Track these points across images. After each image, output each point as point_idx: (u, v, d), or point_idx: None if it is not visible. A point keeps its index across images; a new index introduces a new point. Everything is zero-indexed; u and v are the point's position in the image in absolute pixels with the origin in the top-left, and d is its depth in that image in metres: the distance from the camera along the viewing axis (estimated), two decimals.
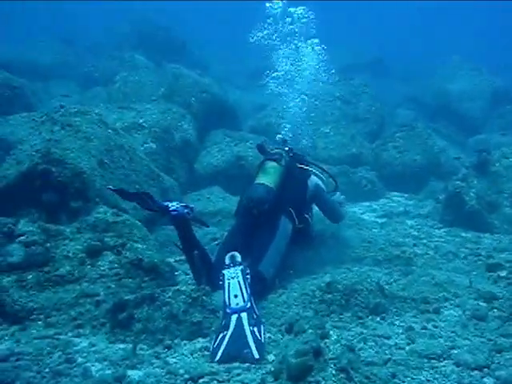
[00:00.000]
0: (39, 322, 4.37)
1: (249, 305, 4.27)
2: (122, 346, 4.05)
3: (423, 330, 4.34)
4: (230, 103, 11.92)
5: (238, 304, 4.26)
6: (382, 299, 4.78)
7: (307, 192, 6.07)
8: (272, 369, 3.61)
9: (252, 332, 4.04)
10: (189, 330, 4.19)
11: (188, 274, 5.52)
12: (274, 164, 5.84)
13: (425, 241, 6.94)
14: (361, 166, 10.47)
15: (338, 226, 6.87)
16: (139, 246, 5.03)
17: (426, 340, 4.17)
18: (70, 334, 4.26)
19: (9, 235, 4.74)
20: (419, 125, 11.05)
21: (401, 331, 4.37)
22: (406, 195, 9.79)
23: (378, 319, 4.60)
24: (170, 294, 4.28)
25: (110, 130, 7.14)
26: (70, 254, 4.82)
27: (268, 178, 5.68)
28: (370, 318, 4.61)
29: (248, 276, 4.53)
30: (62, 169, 6.01)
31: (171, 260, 6.05)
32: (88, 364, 3.76)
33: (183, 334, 4.17)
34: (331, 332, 3.70)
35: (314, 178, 6.29)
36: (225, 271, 4.52)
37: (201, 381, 3.48)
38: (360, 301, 4.73)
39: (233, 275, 4.47)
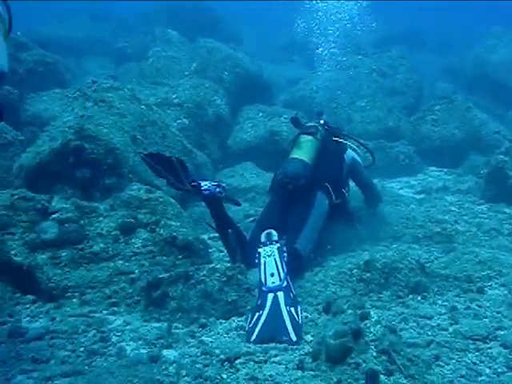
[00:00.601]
0: (74, 300, 4.34)
1: (285, 283, 4.13)
2: (156, 324, 3.98)
3: (467, 310, 4.18)
4: (263, 78, 11.74)
5: (274, 283, 4.12)
6: (422, 278, 4.62)
7: (344, 166, 5.90)
8: (310, 350, 3.50)
9: (289, 312, 3.92)
10: (224, 308, 4.10)
11: (222, 252, 5.44)
12: (309, 138, 5.67)
13: (466, 217, 6.71)
14: (398, 140, 10.20)
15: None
16: (173, 223, 4.94)
17: (471, 320, 4.01)
18: (104, 312, 4.22)
19: (43, 212, 4.70)
20: (458, 97, 10.69)
21: (443, 311, 4.22)
22: (444, 170, 9.50)
23: (419, 298, 4.45)
24: (205, 272, 4.18)
25: (142, 106, 7.05)
26: (104, 232, 4.76)
27: (303, 153, 5.51)
28: (410, 297, 4.46)
29: (285, 254, 4.38)
30: (95, 145, 5.97)
31: (205, 237, 5.97)
32: (123, 343, 3.71)
33: (218, 312, 4.09)
34: (372, 312, 3.56)
35: (350, 152, 6.11)
36: (260, 249, 4.38)
37: (237, 361, 3.38)
38: (400, 279, 4.58)
39: (269, 253, 4.33)
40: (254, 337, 3.74)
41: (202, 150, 8.56)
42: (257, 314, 3.94)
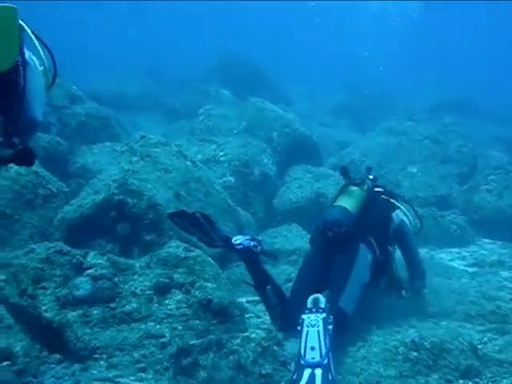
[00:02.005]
0: (101, 362, 4.14)
1: (326, 361, 3.76)
2: None
3: None
4: (312, 139, 11.57)
5: (314, 358, 3.76)
6: (474, 361, 4.27)
7: (390, 225, 5.56)
8: None
9: None
10: (257, 382, 3.83)
11: (260, 317, 5.18)
12: (355, 188, 5.39)
13: None
14: (449, 208, 9.82)
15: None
16: (209, 285, 4.72)
17: None
18: (131, 378, 4.00)
19: (77, 267, 4.58)
20: None
21: None
22: (499, 243, 9.04)
23: None
24: (239, 341, 3.95)
25: (188, 162, 7.00)
26: (138, 291, 4.59)
27: (347, 202, 5.22)
28: (461, 382, 4.11)
29: (330, 327, 4.04)
30: (138, 200, 5.89)
31: (243, 300, 5.73)
32: None
33: None
34: None
35: (399, 213, 5.74)
36: (305, 316, 4.04)
37: None
38: (450, 361, 4.24)
39: (313, 323, 3.98)
40: None
41: (246, 208, 8.40)
42: None
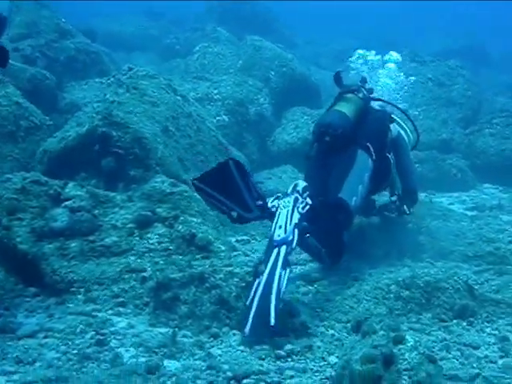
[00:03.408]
0: (79, 296, 3.95)
1: (290, 237, 3.79)
2: (162, 330, 3.55)
3: None
4: (311, 81, 11.20)
5: (279, 235, 3.80)
6: (470, 301, 4.08)
7: (389, 134, 5.27)
8: (333, 373, 3.01)
9: (277, 290, 3.48)
10: (240, 318, 3.64)
11: (248, 256, 4.96)
12: (350, 95, 5.12)
13: None
14: (451, 153, 9.53)
15: (419, 215, 6.07)
16: (194, 219, 4.50)
17: None
18: (109, 312, 3.82)
19: (55, 198, 4.34)
20: None
21: (492, 341, 3.68)
22: (500, 188, 8.79)
23: (465, 324, 3.93)
24: (222, 275, 3.74)
25: (178, 97, 6.67)
26: (119, 224, 4.37)
27: (343, 107, 4.96)
28: (454, 322, 3.94)
29: (301, 205, 4.02)
30: (123, 133, 5.60)
31: (232, 239, 5.54)
32: (121, 349, 3.28)
33: (233, 322, 3.64)
34: (408, 336, 3.03)
35: (397, 127, 5.49)
36: (281, 200, 4.07)
37: (245, 381, 2.91)
38: (444, 301, 4.05)
39: (286, 204, 4.01)
40: (246, 331, 3.41)
41: (240, 149, 8.13)
42: (255, 284, 3.58)
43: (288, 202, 4.03)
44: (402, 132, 5.58)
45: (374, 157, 4.85)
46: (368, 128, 5.01)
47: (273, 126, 9.22)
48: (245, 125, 8.68)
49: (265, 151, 8.83)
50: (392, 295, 4.08)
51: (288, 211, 3.94)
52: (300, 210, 4.02)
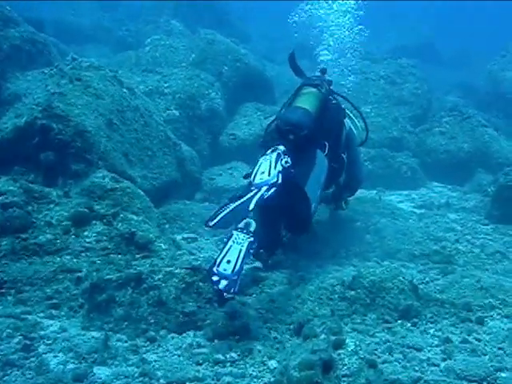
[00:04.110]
0: (9, 297, 3.74)
1: (235, 277, 3.60)
2: (96, 334, 3.38)
3: (463, 344, 3.59)
4: (265, 76, 11.09)
5: (225, 270, 3.60)
6: (414, 301, 4.06)
7: (344, 132, 5.26)
8: (272, 379, 2.89)
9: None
10: (179, 320, 3.52)
11: (193, 255, 4.81)
12: (313, 89, 5.01)
13: (469, 237, 6.08)
14: (401, 151, 9.56)
15: (368, 213, 6.06)
16: (134, 217, 4.33)
17: (467, 357, 3.43)
18: (41, 315, 3.61)
19: None
20: (469, 110, 10.04)
21: (436, 342, 3.64)
22: (449, 186, 8.85)
23: (409, 325, 3.88)
24: (160, 276, 3.59)
25: (124, 90, 6.45)
26: (54, 221, 4.16)
27: (307, 103, 4.84)
28: (398, 322, 3.90)
29: (251, 252, 3.95)
30: (64, 126, 5.35)
31: (179, 237, 5.38)
32: (49, 354, 3.10)
33: (172, 325, 3.50)
34: (348, 340, 2.95)
35: (348, 121, 5.48)
36: (235, 232, 3.93)
37: None
38: (388, 301, 4.01)
39: (239, 241, 3.88)
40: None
41: (191, 144, 7.95)
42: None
43: (243, 240, 3.91)
44: (353, 127, 5.55)
45: (326, 154, 4.78)
46: (326, 125, 4.94)
47: (225, 121, 9.07)
48: (196, 120, 8.50)
49: (216, 147, 8.67)
50: (337, 295, 4.01)
51: (241, 251, 3.82)
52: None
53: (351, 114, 5.58)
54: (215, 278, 3.56)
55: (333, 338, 2.97)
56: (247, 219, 4.10)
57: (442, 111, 10.44)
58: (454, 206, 7.69)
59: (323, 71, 5.52)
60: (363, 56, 12.00)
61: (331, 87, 5.39)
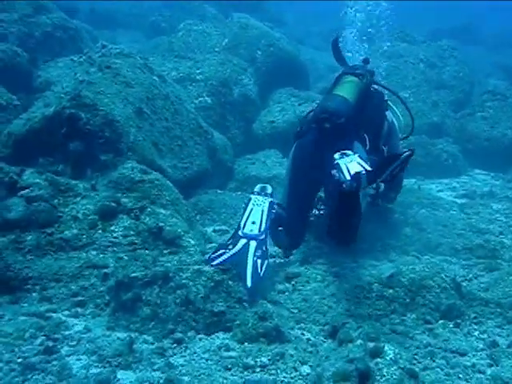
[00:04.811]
0: (34, 294, 3.64)
1: (263, 236, 3.89)
2: (122, 335, 3.24)
3: (511, 349, 3.33)
4: (300, 61, 10.81)
5: (252, 231, 3.88)
6: (457, 300, 3.80)
7: (385, 124, 5.04)
8: None
9: (254, 262, 3.71)
10: (207, 321, 3.36)
11: None
12: (354, 78, 4.77)
13: None
14: (441, 137, 9.21)
15: (407, 204, 5.80)
16: (162, 211, 4.18)
17: None
18: (65, 313, 3.50)
19: (11, 187, 3.99)
20: None
21: (481, 346, 3.42)
22: (492, 174, 8.48)
23: (451, 326, 3.66)
24: (188, 274, 3.43)
25: (155, 77, 6.30)
26: (80, 215, 4.04)
27: (346, 92, 4.61)
28: (440, 323, 3.68)
29: (274, 211, 4.16)
30: (92, 115, 5.23)
31: (209, 229, 5.22)
32: (72, 357, 2.97)
33: (200, 325, 3.35)
34: (387, 347, 2.74)
35: (391, 114, 5.24)
36: (253, 196, 4.19)
37: None
38: (429, 300, 3.80)
39: (259, 203, 4.11)
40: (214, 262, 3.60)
41: (223, 132, 7.78)
42: (221, 251, 3.73)
43: (262, 201, 4.10)
44: (395, 121, 5.31)
45: (367, 147, 4.54)
46: (366, 117, 4.71)
47: (258, 107, 8.85)
48: (228, 106, 8.30)
49: (249, 134, 8.47)
50: (374, 294, 3.81)
51: (263, 211, 3.99)
52: (271, 215, 4.14)
53: (394, 107, 5.32)
54: (243, 241, 3.76)
55: (370, 344, 2.77)
56: (261, 184, 4.42)
57: (485, 95, 10.02)
58: (497, 196, 7.34)
59: (366, 61, 5.27)
60: (402, 38, 11.69)
61: (373, 77, 5.14)
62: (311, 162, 4.46)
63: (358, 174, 3.61)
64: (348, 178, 3.61)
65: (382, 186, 5.13)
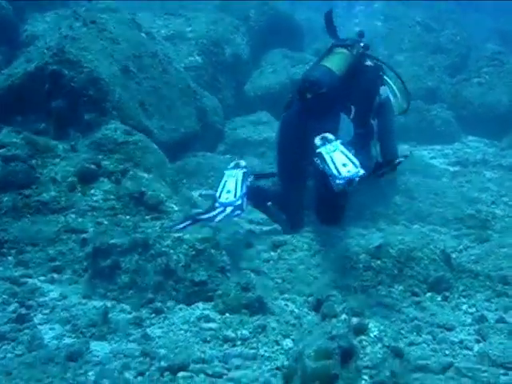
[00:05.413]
0: (9, 258, 3.51)
1: (239, 202, 3.83)
2: (98, 303, 3.14)
3: (499, 324, 3.26)
4: (295, 21, 10.50)
5: (227, 199, 3.82)
6: (446, 272, 3.72)
7: (376, 98, 4.91)
8: (284, 364, 2.62)
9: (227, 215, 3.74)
10: (188, 290, 3.26)
11: None
12: (343, 50, 4.69)
13: (506, 198, 5.64)
14: (436, 103, 9.03)
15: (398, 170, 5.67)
16: (145, 175, 4.03)
17: (503, 339, 3.09)
18: (41, 279, 3.38)
19: None
20: (511, 60, 9.38)
21: (469, 321, 3.32)
22: (486, 141, 8.33)
23: (439, 299, 3.59)
24: (169, 241, 3.31)
25: (143, 34, 6.07)
26: (59, 177, 3.88)
27: (332, 63, 4.51)
28: (428, 295, 3.61)
29: (249, 180, 4.19)
30: (76, 72, 5.03)
31: (196, 194, 5.09)
32: (45, 326, 2.86)
33: (180, 295, 3.24)
34: (371, 324, 2.64)
35: (386, 90, 5.11)
36: (226, 171, 4.16)
37: (181, 374, 2.51)
38: (417, 272, 3.71)
39: (232, 174, 4.08)
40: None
41: (214, 93, 7.56)
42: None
43: (235, 173, 4.07)
44: (391, 96, 5.20)
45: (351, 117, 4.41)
46: (356, 90, 4.59)
47: (250, 68, 8.62)
48: (220, 67, 8.06)
49: (240, 96, 8.26)
50: (361, 265, 3.71)
51: (237, 180, 3.95)
52: (247, 183, 4.10)
53: (391, 82, 5.20)
54: (220, 209, 3.72)
55: (354, 320, 2.68)
56: (235, 161, 4.35)
57: (481, 60, 9.80)
58: (490, 163, 7.22)
59: (361, 34, 5.13)
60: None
61: (368, 51, 4.99)
62: (296, 135, 4.36)
63: (351, 180, 3.40)
64: (334, 171, 3.43)
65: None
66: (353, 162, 3.46)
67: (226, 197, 3.83)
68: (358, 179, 3.38)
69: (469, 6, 17.33)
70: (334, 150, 3.60)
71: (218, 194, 3.88)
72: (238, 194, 3.87)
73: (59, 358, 2.52)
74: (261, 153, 6.81)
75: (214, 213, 3.72)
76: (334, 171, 3.42)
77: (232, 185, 3.94)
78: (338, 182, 3.38)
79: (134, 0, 11.76)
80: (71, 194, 3.84)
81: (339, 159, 3.50)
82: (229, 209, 3.75)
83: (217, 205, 3.79)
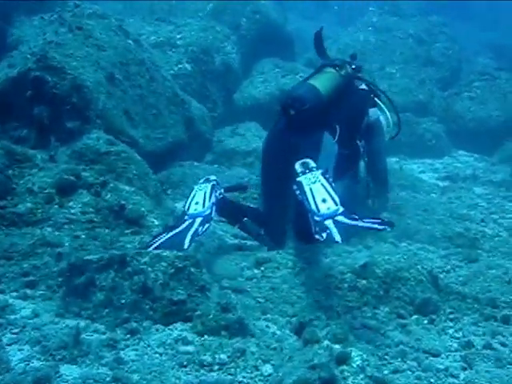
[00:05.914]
0: None
1: (208, 211, 3.85)
2: (71, 322, 3.00)
3: (486, 350, 3.17)
4: (286, 30, 10.46)
5: (196, 210, 3.84)
6: (433, 294, 3.63)
7: (365, 119, 4.89)
8: None
9: (195, 230, 3.64)
10: (166, 310, 3.12)
11: None
12: (331, 69, 4.64)
13: (496, 216, 5.58)
14: (427, 116, 8.97)
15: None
16: (126, 188, 3.91)
17: (490, 366, 3.00)
18: (14, 294, 3.25)
19: None
20: (502, 75, 9.35)
21: (455, 346, 3.22)
22: (476, 155, 8.31)
23: (426, 322, 3.51)
24: (147, 259, 3.18)
25: (130, 41, 5.97)
26: (35, 188, 3.75)
27: (320, 82, 4.44)
28: (414, 318, 3.50)
29: (218, 192, 4.15)
30: (60, 79, 4.91)
31: (179, 205, 4.97)
32: (13, 347, 2.73)
33: (157, 314, 3.11)
34: (354, 353, 2.53)
35: (377, 112, 5.09)
36: (195, 186, 4.15)
37: None
38: (404, 293, 3.62)
39: (201, 188, 4.07)
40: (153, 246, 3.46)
41: (203, 102, 7.47)
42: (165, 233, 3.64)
43: (204, 186, 4.08)
44: (382, 118, 5.17)
45: (335, 139, 4.34)
46: (344, 110, 4.51)
47: (240, 77, 8.55)
48: (209, 75, 8.00)
49: (229, 105, 8.17)
50: (346, 285, 3.60)
51: (205, 192, 3.97)
52: (217, 195, 4.11)
53: (383, 106, 5.15)
54: (189, 221, 3.70)
55: (337, 347, 2.57)
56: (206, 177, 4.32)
57: (472, 74, 9.78)
58: (480, 179, 7.16)
59: (353, 56, 5.12)
60: (393, 12, 11.37)
61: (359, 74, 5.03)
62: (280, 151, 4.31)
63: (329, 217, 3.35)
64: (313, 207, 3.38)
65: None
66: (332, 198, 3.41)
67: (194, 208, 3.85)
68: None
69: (457, 17, 17.40)
70: (314, 182, 3.53)
71: (186, 207, 3.89)
72: (207, 204, 3.88)
73: (25, 382, 2.38)
74: (249, 163, 6.73)
75: (183, 226, 3.68)
76: (313, 207, 3.38)
77: (200, 197, 3.95)
78: (316, 218, 3.33)
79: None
80: (48, 206, 3.71)
81: (319, 193, 3.45)
82: (198, 219, 3.73)
83: (186, 217, 3.77)
